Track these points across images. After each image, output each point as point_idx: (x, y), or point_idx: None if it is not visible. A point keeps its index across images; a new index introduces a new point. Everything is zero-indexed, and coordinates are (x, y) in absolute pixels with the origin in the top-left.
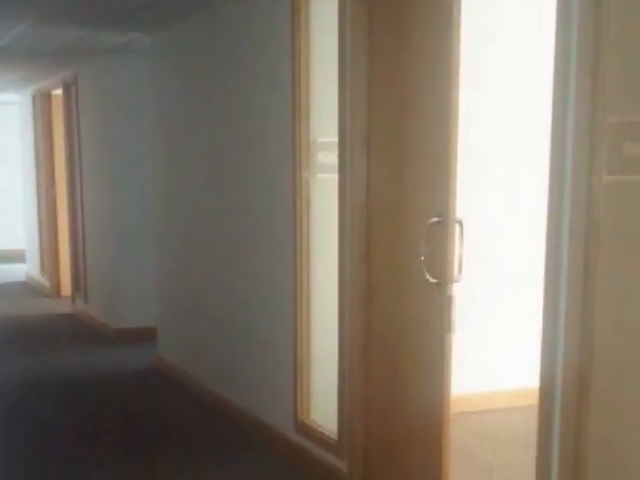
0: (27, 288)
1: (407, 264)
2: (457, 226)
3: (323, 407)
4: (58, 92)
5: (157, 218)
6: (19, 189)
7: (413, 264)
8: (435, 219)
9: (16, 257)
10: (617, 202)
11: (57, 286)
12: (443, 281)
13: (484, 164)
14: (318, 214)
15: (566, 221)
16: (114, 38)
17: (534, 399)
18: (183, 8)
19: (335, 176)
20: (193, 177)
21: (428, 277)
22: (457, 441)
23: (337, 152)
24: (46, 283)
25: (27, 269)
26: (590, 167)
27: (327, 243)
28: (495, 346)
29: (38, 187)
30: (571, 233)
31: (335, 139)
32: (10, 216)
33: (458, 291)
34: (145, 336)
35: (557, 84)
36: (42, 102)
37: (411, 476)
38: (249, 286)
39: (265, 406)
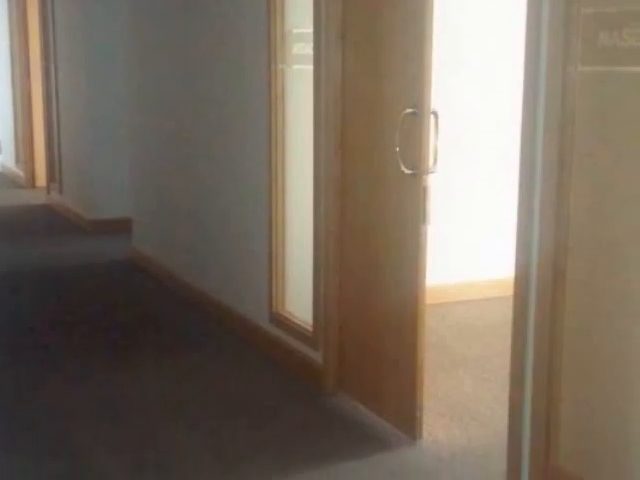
0: (2, 179)
1: (382, 155)
2: (432, 117)
3: (298, 298)
4: None
5: (132, 110)
6: None
7: (388, 155)
8: (410, 110)
9: None
10: (592, 93)
11: (32, 177)
12: (418, 172)
13: (459, 55)
14: (293, 106)
15: (541, 112)
16: None
17: (510, 290)
18: None
19: (310, 68)
20: (167, 69)
21: (403, 168)
22: (432, 332)
23: (312, 44)
24: (21, 174)
25: (2, 160)
26: (565, 58)
27: (302, 134)
28: (471, 237)
29: (13, 78)
30: (546, 123)
31: (310, 30)
32: None
33: (433, 182)
34: (120, 227)
35: None
36: None
37: (386, 367)
38: (224, 177)
39: (240, 297)
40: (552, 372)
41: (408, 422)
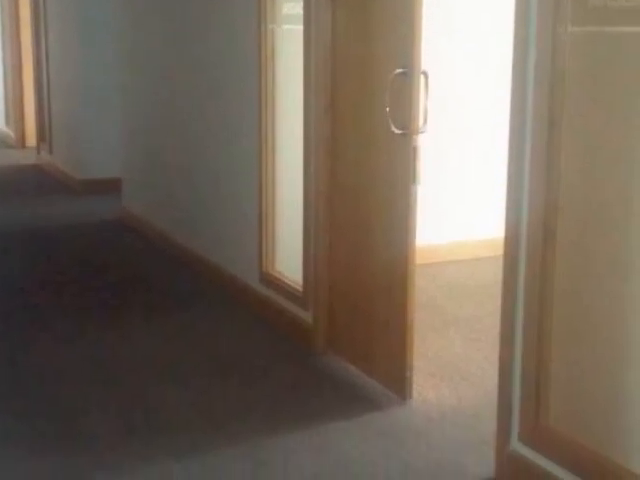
0: None
1: (372, 115)
2: (422, 77)
3: (288, 258)
4: None
5: (122, 70)
6: None
7: (378, 115)
8: (400, 70)
9: None
10: (582, 53)
11: (22, 137)
12: (408, 132)
13: (449, 16)
14: (283, 66)
15: (531, 72)
16: None
17: (500, 250)
18: None
19: (300, 27)
20: (158, 29)
21: (393, 128)
22: (422, 293)
23: (302, 3)
24: (11, 134)
25: None
26: (555, 18)
27: (292, 95)
28: (461, 197)
29: (3, 38)
30: (536, 83)
31: None
32: None
33: (423, 142)
34: (110, 187)
35: None
36: None
37: (376, 328)
38: (214, 138)
39: (230, 257)
40: (542, 332)
41: (398, 382)
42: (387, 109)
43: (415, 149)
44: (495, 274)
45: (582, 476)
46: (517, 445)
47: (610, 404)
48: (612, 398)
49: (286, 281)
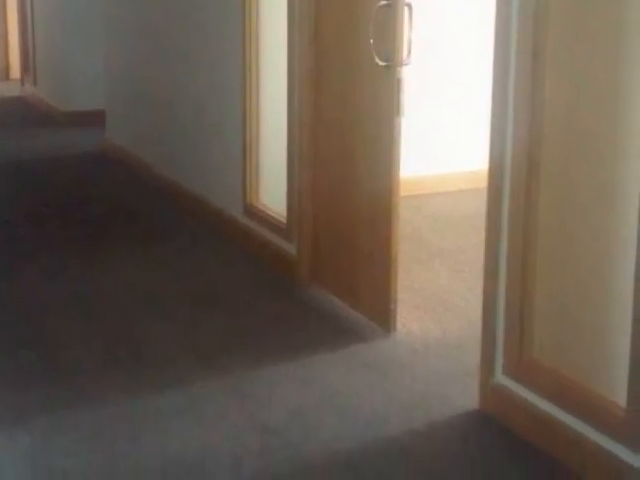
0: None
1: (356, 47)
2: (406, 9)
3: (272, 191)
4: None
5: (107, 3)
6: None
7: (362, 47)
8: (384, 2)
9: None
10: None
11: (6, 68)
12: (392, 64)
13: None
14: None
15: (515, 2)
16: None
17: (484, 182)
18: None
19: None
20: None
21: (377, 60)
22: (407, 224)
23: None
24: None
25: None
26: None
27: (276, 27)
28: (445, 129)
29: None
30: (520, 14)
31: None
32: None
33: (407, 74)
34: (94, 119)
35: None
36: None
37: (360, 259)
38: (198, 69)
39: (214, 189)
40: (526, 264)
41: (382, 314)
42: (371, 41)
43: (399, 81)
44: (479, 206)
45: (566, 408)
46: (501, 377)
47: (594, 336)
48: (596, 330)
49: (270, 213)
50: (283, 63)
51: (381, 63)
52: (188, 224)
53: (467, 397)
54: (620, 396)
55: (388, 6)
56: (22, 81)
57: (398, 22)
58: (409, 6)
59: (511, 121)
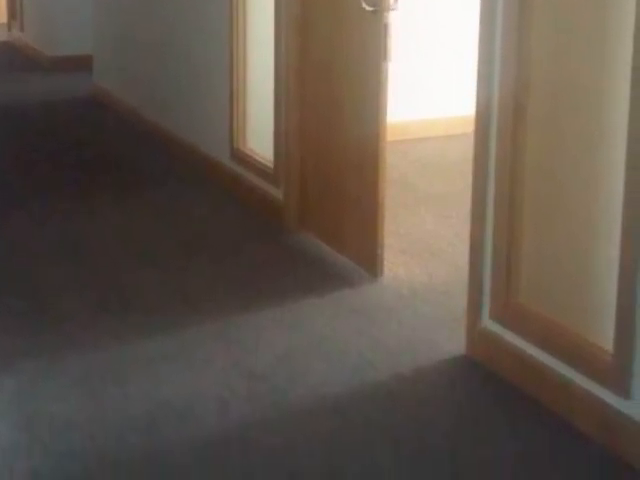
0: None
1: None
2: None
3: (260, 135)
4: None
5: None
6: None
7: None
8: None
9: None
10: None
11: None
12: (379, 9)
13: None
14: None
15: None
16: None
17: (471, 127)
18: None
19: None
20: None
21: (364, 5)
22: (394, 169)
23: None
24: None
25: None
26: None
27: None
28: (433, 74)
29: None
30: None
31: None
32: None
33: (395, 19)
34: (81, 64)
35: None
36: None
37: (347, 205)
38: (186, 14)
39: (201, 134)
40: (513, 209)
41: (369, 259)
42: None
43: (386, 26)
44: (466, 151)
45: (553, 353)
46: (488, 322)
47: (582, 281)
48: (584, 275)
49: (257, 158)
50: (270, 7)
51: (368, 8)
52: (176, 169)
53: (454, 342)
54: (607, 341)
55: None
56: (9, 26)
57: None
58: None
59: (498, 66)
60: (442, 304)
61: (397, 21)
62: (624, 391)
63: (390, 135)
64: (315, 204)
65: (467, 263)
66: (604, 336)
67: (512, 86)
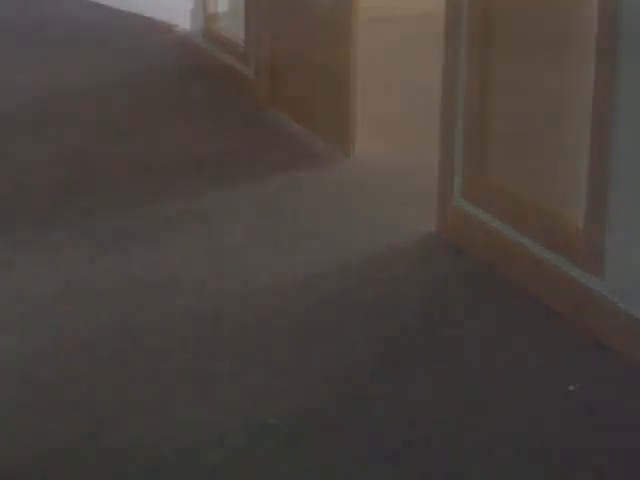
0: None
1: None
2: None
3: (231, 13)
4: None
5: None
6: None
7: None
8: None
9: None
10: None
11: None
12: None
13: None
14: None
15: None
16: None
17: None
18: None
19: None
20: None
21: None
22: (365, 49)
23: None
24: None
25: None
26: None
27: None
28: None
29: None
30: None
31: None
32: None
33: None
34: None
35: None
36: None
37: (319, 84)
38: None
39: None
40: (484, 85)
41: (341, 138)
42: None
43: None
44: (439, 34)
45: (524, 230)
46: (459, 200)
47: (552, 157)
48: (554, 151)
49: (229, 37)
50: None
51: None
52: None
53: (426, 220)
54: (578, 217)
55: None
56: None
57: None
58: None
59: None
60: (414, 183)
61: None
62: (595, 269)
63: (362, 14)
64: (286, 83)
65: (438, 142)
66: (575, 212)
67: None
